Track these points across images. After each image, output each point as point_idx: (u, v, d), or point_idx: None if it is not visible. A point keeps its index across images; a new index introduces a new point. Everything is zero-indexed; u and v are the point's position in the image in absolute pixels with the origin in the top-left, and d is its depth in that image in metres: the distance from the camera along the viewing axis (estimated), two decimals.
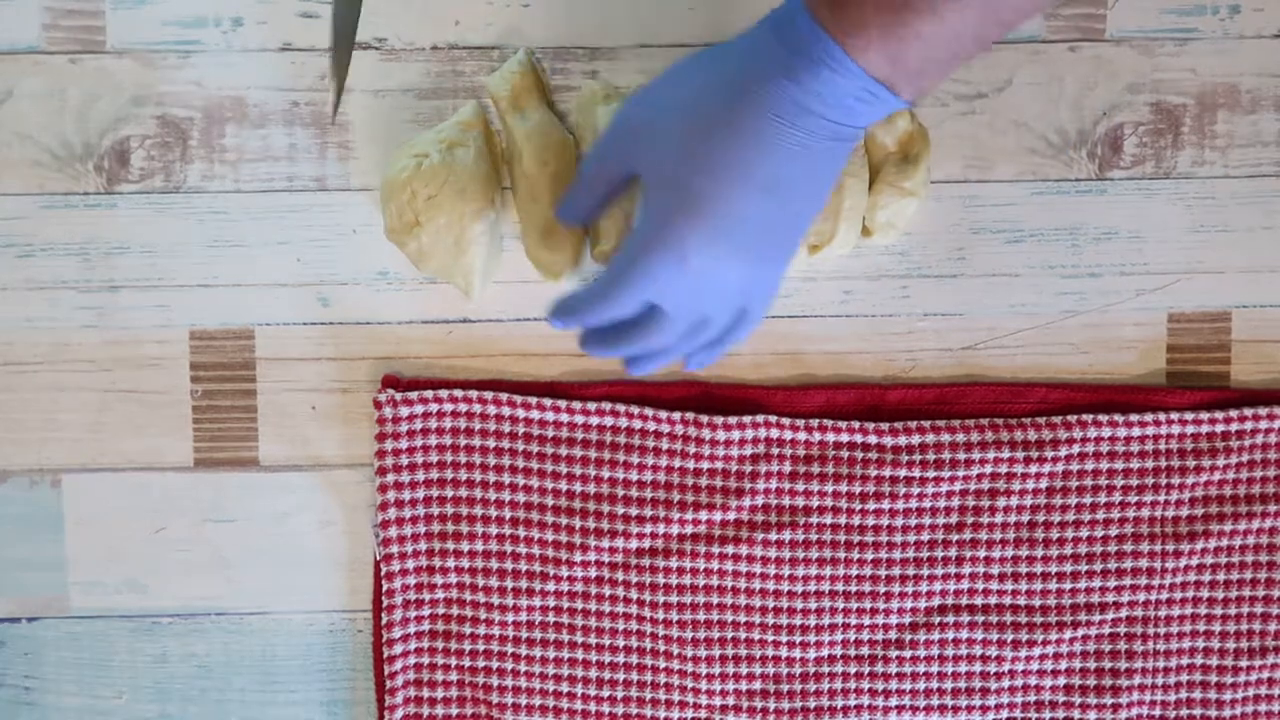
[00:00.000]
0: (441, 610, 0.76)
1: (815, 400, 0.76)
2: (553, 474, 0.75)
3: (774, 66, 0.61)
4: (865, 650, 0.76)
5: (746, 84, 0.62)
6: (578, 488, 0.75)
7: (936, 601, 0.76)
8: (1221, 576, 0.76)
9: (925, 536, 0.76)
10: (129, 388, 0.77)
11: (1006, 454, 0.75)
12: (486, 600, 0.76)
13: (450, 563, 0.75)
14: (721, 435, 0.75)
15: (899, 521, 0.76)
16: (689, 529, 0.75)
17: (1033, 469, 0.75)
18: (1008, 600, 0.76)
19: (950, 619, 0.76)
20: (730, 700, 0.76)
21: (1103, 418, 0.75)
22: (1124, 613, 0.76)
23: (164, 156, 0.76)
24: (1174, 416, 0.75)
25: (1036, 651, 0.76)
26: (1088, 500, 0.76)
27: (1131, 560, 0.76)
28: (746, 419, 0.75)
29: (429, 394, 0.75)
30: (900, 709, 0.76)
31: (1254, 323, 0.77)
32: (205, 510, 0.77)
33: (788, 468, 0.75)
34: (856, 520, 0.76)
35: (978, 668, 0.76)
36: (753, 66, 0.62)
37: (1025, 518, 0.76)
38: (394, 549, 0.75)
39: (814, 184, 0.64)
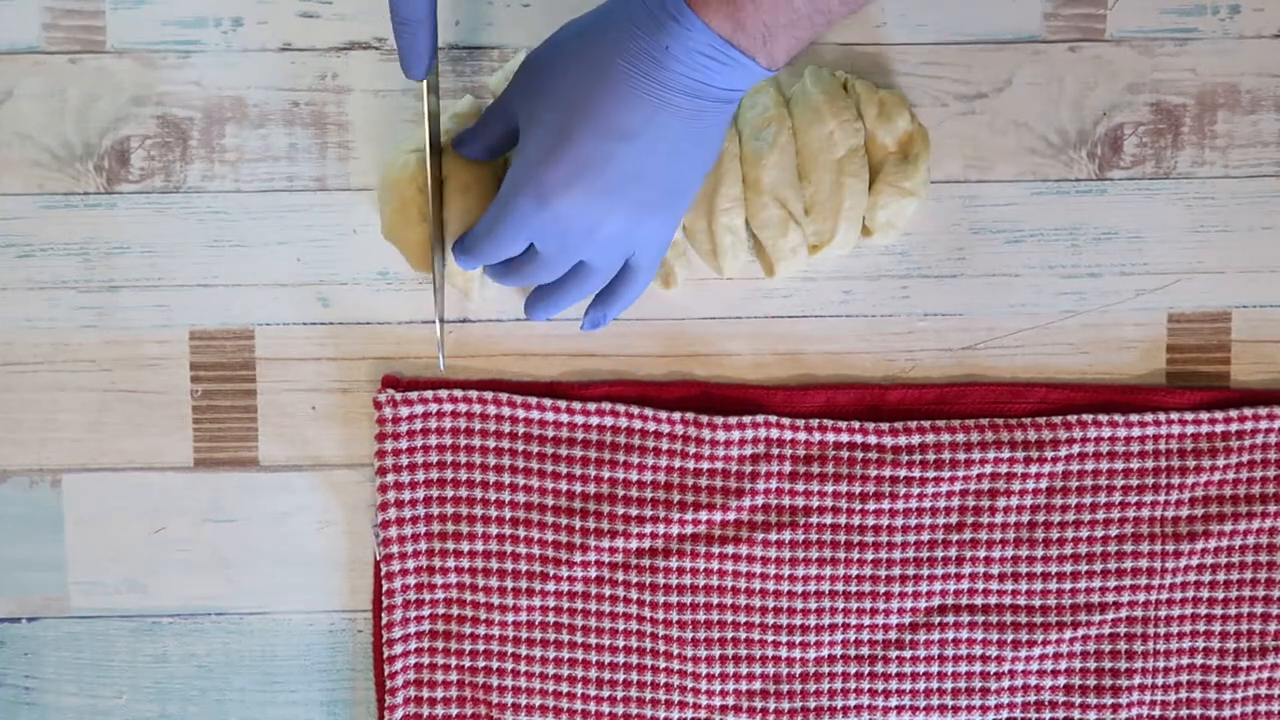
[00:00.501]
0: (441, 610, 0.76)
1: (815, 400, 0.76)
2: (553, 474, 0.75)
3: (629, 16, 0.64)
4: (865, 650, 0.76)
5: (605, 33, 0.65)
6: (578, 488, 0.75)
7: (936, 601, 0.76)
8: (1221, 576, 0.76)
9: (925, 536, 0.76)
10: (129, 388, 0.77)
11: (1006, 454, 0.75)
12: (486, 600, 0.76)
13: (450, 563, 0.75)
14: (721, 435, 0.75)
15: (899, 521, 0.76)
16: (689, 529, 0.75)
17: (1033, 469, 0.75)
18: (1008, 600, 0.76)
19: (950, 619, 0.76)
20: (730, 700, 0.76)
21: (1103, 418, 0.75)
22: (1124, 613, 0.76)
23: (164, 156, 0.76)
24: (1174, 416, 0.75)
25: (1036, 651, 0.76)
26: (1088, 500, 0.76)
27: (1131, 560, 0.76)
28: (746, 419, 0.75)
29: (429, 394, 0.75)
30: (900, 709, 0.76)
31: (1254, 323, 0.77)
32: (205, 510, 0.77)
33: (788, 468, 0.75)
34: (856, 520, 0.76)
35: (978, 668, 0.76)
36: (614, 16, 0.65)
37: (1025, 518, 0.76)
38: (394, 549, 0.75)
39: (687, 141, 0.66)
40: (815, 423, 0.75)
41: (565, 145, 0.65)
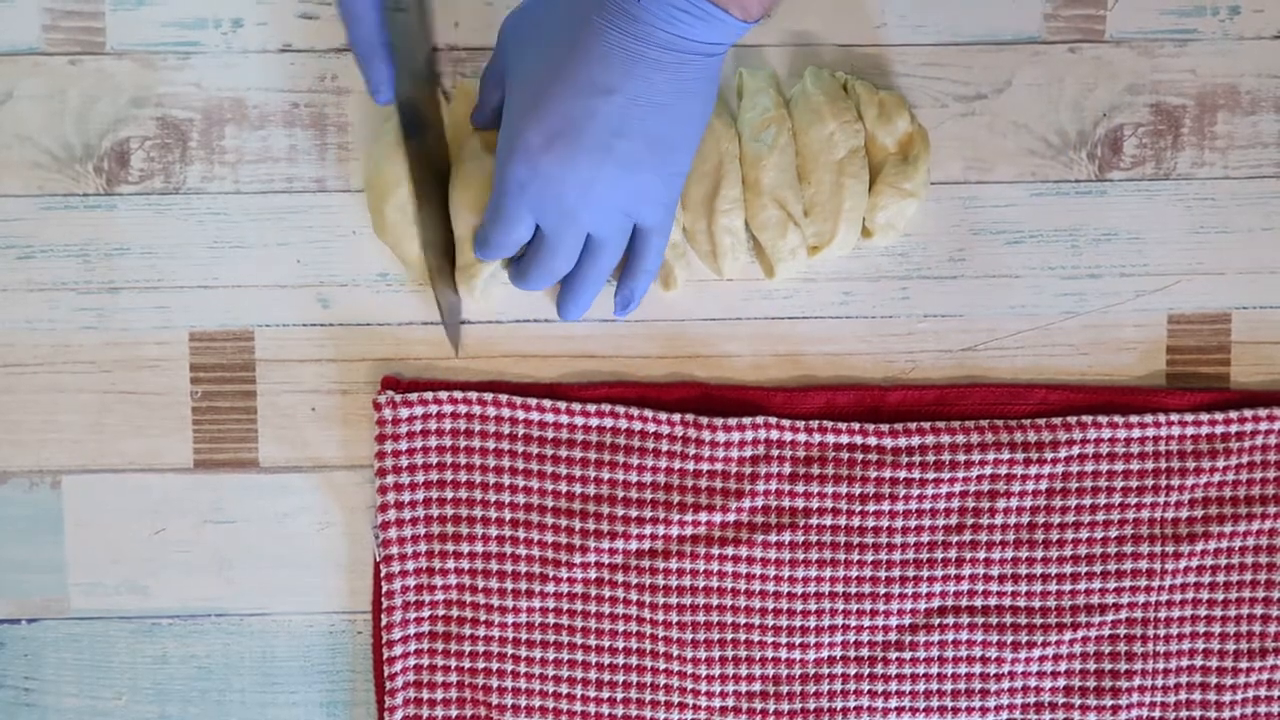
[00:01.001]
0: (441, 611, 0.76)
1: (815, 401, 0.76)
2: (552, 475, 0.75)
3: None
4: (865, 652, 0.76)
5: None
6: (577, 489, 0.75)
7: (936, 603, 0.76)
8: (1221, 578, 0.76)
9: (925, 538, 0.76)
10: (129, 389, 0.77)
11: (1006, 455, 0.75)
12: (486, 601, 0.76)
13: (450, 564, 0.75)
14: (721, 437, 0.75)
15: (899, 523, 0.76)
16: (689, 530, 0.75)
17: (1032, 470, 0.75)
18: (1008, 602, 0.76)
19: (950, 620, 0.76)
20: (730, 701, 0.76)
21: (1102, 419, 0.75)
22: (1124, 614, 0.76)
23: (164, 158, 0.76)
24: (1174, 418, 0.75)
25: (1036, 653, 0.76)
26: (1087, 501, 0.76)
27: (1131, 561, 0.76)
28: (746, 420, 0.75)
29: (429, 395, 0.75)
30: (900, 710, 0.76)
31: (1254, 324, 0.77)
32: (205, 511, 0.77)
33: (787, 469, 0.75)
34: (856, 521, 0.76)
35: (978, 669, 0.76)
36: None
37: (1025, 519, 0.76)
38: (394, 550, 0.75)
39: (671, 95, 0.66)
40: (815, 424, 0.75)
41: (545, 103, 0.66)
